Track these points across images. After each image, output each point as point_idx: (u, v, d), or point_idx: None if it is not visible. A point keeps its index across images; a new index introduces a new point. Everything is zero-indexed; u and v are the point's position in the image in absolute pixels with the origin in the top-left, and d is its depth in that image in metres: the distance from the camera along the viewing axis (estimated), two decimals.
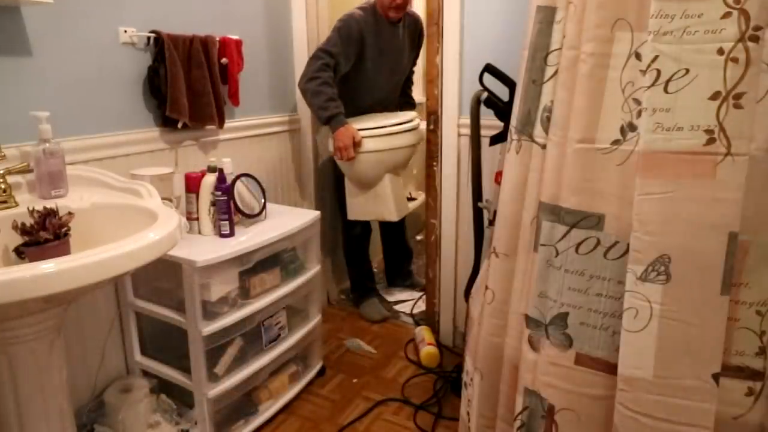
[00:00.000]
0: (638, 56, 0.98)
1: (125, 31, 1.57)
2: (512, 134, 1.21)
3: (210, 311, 1.47)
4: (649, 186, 0.94)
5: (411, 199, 2.37)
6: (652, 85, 0.93)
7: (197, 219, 1.62)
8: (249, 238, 1.57)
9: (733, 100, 0.87)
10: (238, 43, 1.89)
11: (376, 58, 2.15)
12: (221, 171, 1.58)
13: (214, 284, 1.46)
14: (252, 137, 2.09)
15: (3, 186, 1.21)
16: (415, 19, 2.31)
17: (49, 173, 1.28)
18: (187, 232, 1.61)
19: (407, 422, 1.70)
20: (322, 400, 1.82)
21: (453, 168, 1.98)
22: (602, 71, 1.01)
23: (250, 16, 2.03)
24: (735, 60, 0.87)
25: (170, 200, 1.51)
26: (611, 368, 1.01)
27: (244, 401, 1.64)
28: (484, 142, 1.63)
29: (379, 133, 2.05)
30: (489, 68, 1.51)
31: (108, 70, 1.55)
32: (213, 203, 1.59)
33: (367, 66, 2.15)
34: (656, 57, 0.92)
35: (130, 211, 1.23)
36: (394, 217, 2.20)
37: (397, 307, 2.48)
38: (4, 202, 1.21)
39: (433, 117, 1.99)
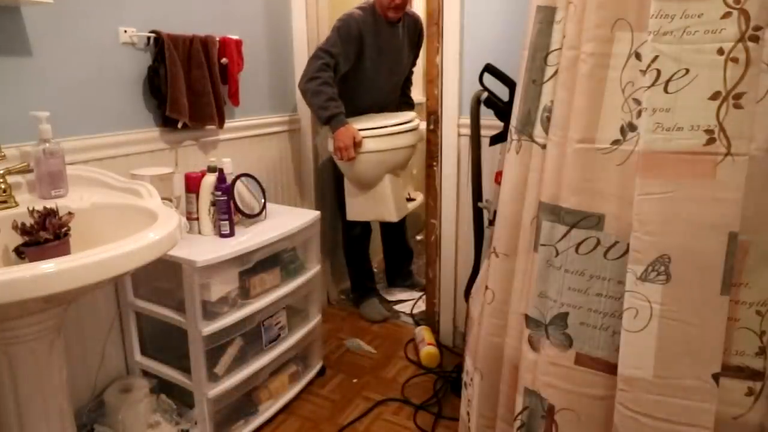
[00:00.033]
0: (638, 56, 0.98)
1: (125, 31, 1.57)
2: (512, 134, 1.21)
3: (210, 311, 1.47)
4: (649, 186, 0.94)
5: (410, 199, 2.37)
6: (652, 85, 0.93)
7: (197, 219, 1.62)
8: (249, 238, 1.57)
9: (733, 100, 0.87)
10: (238, 43, 1.90)
11: (375, 58, 2.15)
12: (221, 171, 1.58)
13: (214, 284, 1.46)
14: (252, 137, 2.09)
15: (3, 186, 1.21)
16: (414, 20, 2.31)
17: (49, 173, 1.28)
18: (187, 232, 1.61)
19: (407, 422, 1.70)
20: (322, 400, 1.82)
21: (453, 168, 1.98)
22: (602, 71, 1.01)
23: (250, 16, 2.03)
24: (735, 60, 0.87)
25: (170, 200, 1.51)
26: (611, 368, 1.01)
27: (244, 401, 1.64)
28: (484, 142, 1.63)
29: (380, 133, 2.05)
30: (489, 68, 1.51)
31: (108, 70, 1.55)
32: (213, 203, 1.59)
33: (366, 66, 2.15)
34: (656, 57, 0.92)
35: (130, 211, 1.23)
36: (393, 218, 2.20)
37: (397, 307, 2.48)
38: (4, 202, 1.21)
39: (433, 117, 1.99)
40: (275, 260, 1.68)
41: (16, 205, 1.22)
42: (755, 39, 0.85)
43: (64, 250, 1.11)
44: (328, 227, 2.43)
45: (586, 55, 1.02)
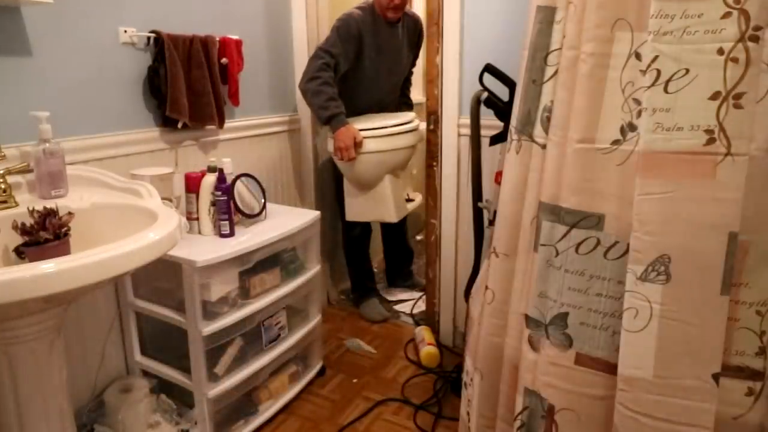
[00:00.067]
0: (638, 56, 0.98)
1: (125, 31, 1.57)
2: (512, 134, 1.21)
3: (210, 311, 1.47)
4: (649, 186, 0.94)
5: (409, 200, 2.37)
6: (652, 85, 0.93)
7: (197, 219, 1.62)
8: (249, 238, 1.57)
9: (733, 100, 0.87)
10: (238, 43, 1.90)
11: (375, 58, 2.15)
12: (221, 171, 1.58)
13: (214, 284, 1.46)
14: (252, 137, 2.09)
15: (3, 186, 1.21)
16: (414, 20, 2.31)
17: (49, 173, 1.28)
18: (187, 232, 1.61)
19: (407, 422, 1.70)
20: (322, 400, 1.82)
21: (453, 168, 1.98)
22: (602, 71, 1.01)
23: (250, 16, 2.03)
24: (735, 60, 0.87)
25: (170, 200, 1.51)
26: (611, 368, 1.01)
27: (244, 401, 1.64)
28: (484, 142, 1.63)
29: (381, 133, 2.04)
30: (489, 68, 1.51)
31: (108, 70, 1.55)
32: (213, 203, 1.59)
33: (365, 66, 2.15)
34: (656, 57, 0.92)
35: (130, 211, 1.23)
36: (393, 219, 2.20)
37: (397, 307, 2.48)
38: (4, 202, 1.21)
39: (433, 117, 1.99)
40: (275, 260, 1.68)
41: (16, 205, 1.22)
42: (755, 39, 0.85)
43: (64, 250, 1.11)
44: (328, 227, 2.43)
45: (586, 55, 1.02)
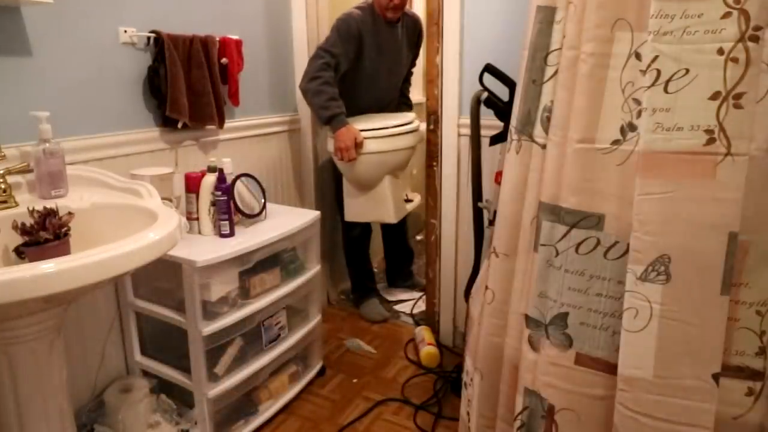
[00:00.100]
0: (638, 56, 0.98)
1: (125, 31, 1.57)
2: (512, 134, 1.21)
3: (210, 311, 1.47)
4: (649, 186, 0.94)
5: (407, 200, 2.37)
6: (652, 85, 0.93)
7: (197, 219, 1.62)
8: (249, 238, 1.57)
9: (733, 100, 0.87)
10: (238, 43, 1.90)
11: (375, 58, 2.15)
12: (221, 171, 1.58)
13: (214, 284, 1.46)
14: (252, 137, 2.09)
15: (3, 186, 1.21)
16: (414, 20, 2.31)
17: (49, 173, 1.28)
18: (187, 232, 1.61)
19: (407, 422, 1.70)
20: (322, 400, 1.82)
21: (453, 168, 1.98)
22: (602, 71, 1.01)
23: (250, 16, 2.03)
24: (735, 60, 0.87)
25: (170, 200, 1.51)
26: (611, 368, 1.01)
27: (244, 401, 1.64)
28: (484, 142, 1.63)
29: (382, 134, 2.04)
30: (489, 68, 1.51)
31: (108, 70, 1.55)
32: (213, 203, 1.59)
33: (365, 65, 2.15)
34: (656, 57, 0.92)
35: (130, 211, 1.23)
36: (392, 219, 2.20)
37: (397, 307, 2.48)
38: (4, 202, 1.21)
39: (433, 117, 1.99)
40: (275, 260, 1.68)
41: (16, 205, 1.22)
42: (755, 39, 0.85)
43: (64, 250, 1.11)
44: (328, 227, 2.43)
45: (586, 55, 1.02)
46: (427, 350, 2.01)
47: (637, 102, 0.98)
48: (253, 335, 1.61)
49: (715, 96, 0.88)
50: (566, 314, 1.07)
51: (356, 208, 2.22)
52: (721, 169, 0.89)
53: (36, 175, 1.28)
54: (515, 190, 1.21)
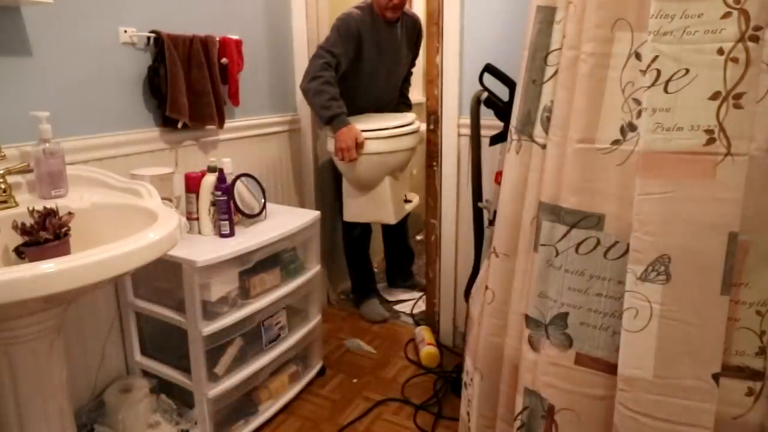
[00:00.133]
0: (638, 56, 0.98)
1: (125, 31, 1.57)
2: (512, 134, 1.21)
3: (210, 311, 1.47)
4: (649, 186, 0.94)
5: (406, 201, 2.37)
6: (652, 85, 0.93)
7: (197, 219, 1.62)
8: (249, 238, 1.57)
9: (733, 100, 0.87)
10: (238, 43, 1.90)
11: (374, 58, 2.15)
12: (221, 171, 1.58)
13: (214, 284, 1.46)
14: (252, 137, 2.09)
15: (3, 186, 1.21)
16: (413, 20, 2.31)
17: (49, 173, 1.28)
18: (187, 232, 1.61)
19: (407, 422, 1.70)
20: (322, 400, 1.82)
21: (453, 168, 1.98)
22: (602, 71, 1.01)
23: (250, 16, 2.03)
24: (735, 60, 0.87)
25: (170, 200, 1.51)
26: (611, 368, 1.01)
27: (244, 401, 1.64)
28: (484, 142, 1.63)
29: (383, 135, 2.03)
30: (489, 68, 1.51)
31: (108, 70, 1.55)
32: (213, 203, 1.59)
33: (364, 65, 2.14)
34: (656, 57, 0.92)
35: (130, 211, 1.23)
36: (392, 220, 2.19)
37: (397, 307, 2.48)
38: (4, 202, 1.21)
39: (433, 117, 1.99)
40: (275, 260, 1.68)
41: (16, 205, 1.22)
42: (755, 39, 0.85)
43: (64, 250, 1.11)
44: (328, 227, 2.43)
45: (586, 55, 1.02)
46: (427, 350, 2.01)
47: (637, 102, 0.98)
48: (253, 335, 1.61)
49: (715, 96, 0.88)
50: (566, 314, 1.07)
51: (355, 209, 2.22)
52: (721, 169, 0.89)
53: (36, 175, 1.28)
54: (515, 190, 1.21)
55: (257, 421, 1.64)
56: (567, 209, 1.06)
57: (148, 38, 1.63)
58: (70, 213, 1.15)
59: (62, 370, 1.12)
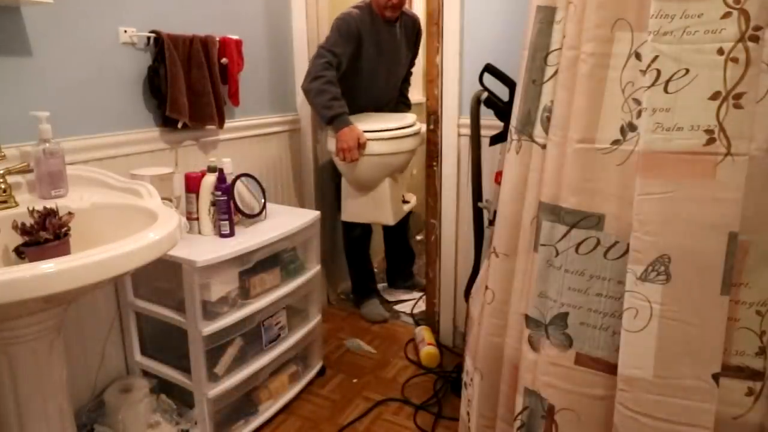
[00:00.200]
0: (638, 56, 0.98)
1: (125, 31, 1.57)
2: (512, 134, 1.21)
3: (210, 311, 1.47)
4: (649, 186, 0.94)
5: (404, 201, 2.36)
6: (652, 85, 0.93)
7: (197, 219, 1.62)
8: (249, 238, 1.57)
9: (733, 100, 0.87)
10: (238, 43, 1.90)
11: (373, 58, 2.15)
12: (221, 171, 1.58)
13: (214, 284, 1.46)
14: (252, 137, 2.09)
15: (3, 186, 1.21)
16: (413, 20, 2.31)
17: (49, 173, 1.28)
18: (187, 232, 1.61)
19: (407, 422, 1.70)
20: (322, 400, 1.82)
21: (453, 168, 1.98)
22: (602, 71, 1.01)
23: (250, 16, 2.03)
24: (735, 60, 0.87)
25: (170, 200, 1.51)
26: (611, 368, 1.01)
27: (244, 401, 1.64)
28: (484, 142, 1.63)
29: (386, 136, 2.02)
30: (489, 68, 1.51)
31: (108, 70, 1.55)
32: (213, 203, 1.59)
33: (363, 65, 2.14)
34: (656, 57, 0.92)
35: (130, 211, 1.23)
36: (390, 221, 2.19)
37: (397, 307, 2.48)
38: (4, 202, 1.21)
39: (433, 117, 1.99)
40: (275, 260, 1.68)
41: (16, 205, 1.22)
42: (755, 39, 0.85)
43: (64, 250, 1.11)
44: (328, 227, 2.43)
45: (586, 55, 1.02)
46: (427, 350, 2.01)
47: (637, 102, 0.98)
48: (253, 335, 1.61)
49: (715, 96, 0.88)
50: (566, 314, 1.07)
51: (354, 209, 2.22)
52: (721, 169, 0.89)
53: (36, 175, 1.28)
54: (515, 190, 1.21)
55: (257, 421, 1.64)
56: (567, 209, 1.06)
57: (148, 38, 1.63)
58: (70, 213, 1.15)
59: (62, 370, 1.12)
